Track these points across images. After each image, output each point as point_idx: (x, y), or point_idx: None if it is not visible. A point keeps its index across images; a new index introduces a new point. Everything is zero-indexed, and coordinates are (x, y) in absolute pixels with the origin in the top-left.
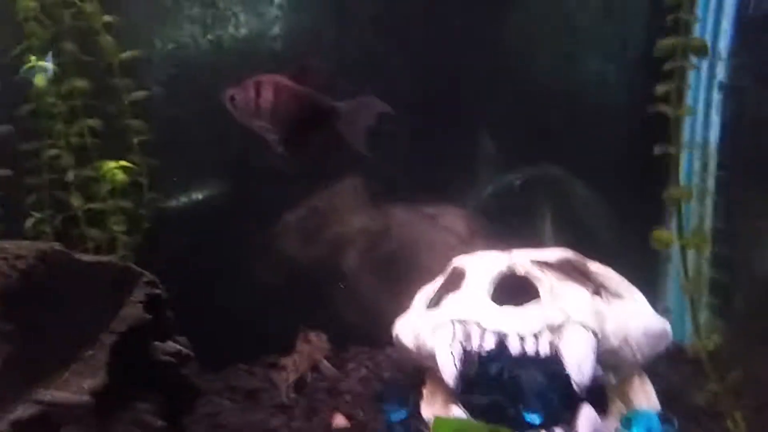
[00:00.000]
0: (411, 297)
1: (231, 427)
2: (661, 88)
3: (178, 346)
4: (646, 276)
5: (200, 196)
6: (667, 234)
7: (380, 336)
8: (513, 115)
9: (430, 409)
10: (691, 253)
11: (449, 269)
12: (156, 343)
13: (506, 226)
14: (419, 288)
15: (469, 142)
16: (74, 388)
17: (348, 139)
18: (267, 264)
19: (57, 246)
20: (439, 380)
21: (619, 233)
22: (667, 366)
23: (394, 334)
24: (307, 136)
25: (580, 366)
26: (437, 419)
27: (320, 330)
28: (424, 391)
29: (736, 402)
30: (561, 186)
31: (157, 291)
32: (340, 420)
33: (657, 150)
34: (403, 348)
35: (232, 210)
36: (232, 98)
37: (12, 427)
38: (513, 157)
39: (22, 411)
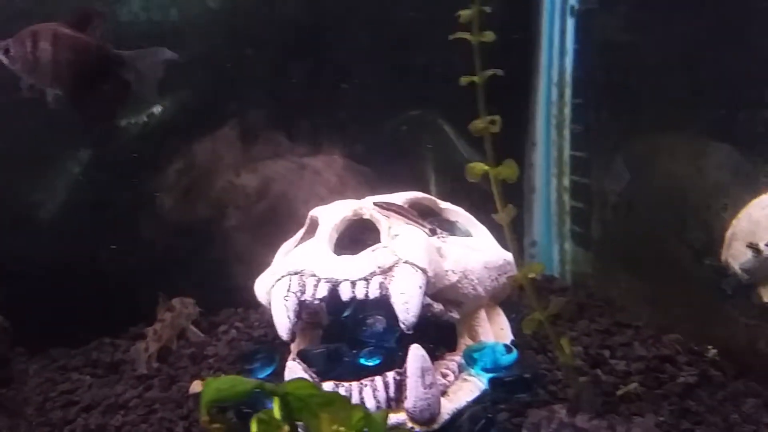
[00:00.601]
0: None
1: (84, 402)
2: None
3: None
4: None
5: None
6: (479, 165)
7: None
8: (377, 59)
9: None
10: (553, 183)
11: (307, 220)
12: None
13: (380, 172)
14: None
15: (340, 88)
16: None
17: (136, 89)
18: (137, 229)
19: None
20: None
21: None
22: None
23: (254, 291)
24: (93, 87)
25: (406, 305)
26: (207, 381)
27: (189, 295)
28: (291, 347)
29: (559, 328)
30: (428, 128)
31: None
32: (196, 386)
33: (462, 80)
34: (262, 305)
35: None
36: (6, 51)
37: None
38: (381, 103)
39: None
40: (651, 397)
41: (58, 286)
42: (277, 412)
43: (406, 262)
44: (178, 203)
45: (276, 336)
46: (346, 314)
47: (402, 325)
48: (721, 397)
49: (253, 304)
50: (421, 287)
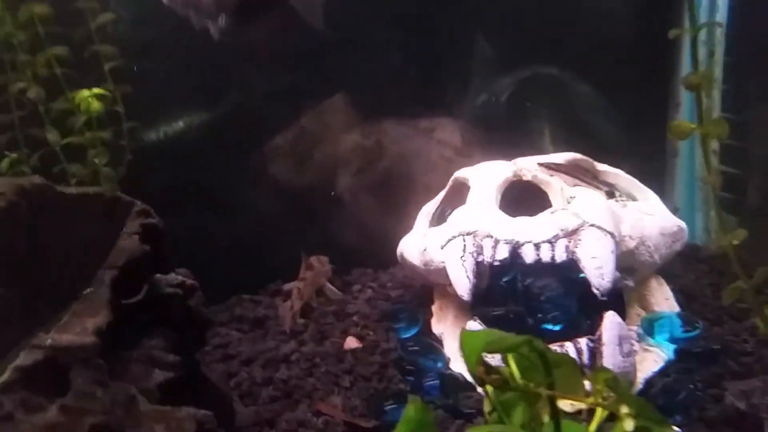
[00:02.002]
0: (409, 214)
1: (243, 357)
2: None
3: (181, 278)
4: (653, 174)
5: (183, 124)
6: (685, 124)
7: (382, 256)
8: (504, 18)
9: (440, 325)
10: (698, 147)
11: (450, 182)
12: (157, 275)
13: (504, 134)
14: (418, 205)
15: (460, 50)
16: (77, 329)
17: (302, 14)
18: (260, 191)
19: (37, 179)
20: (448, 296)
21: (621, 132)
22: (682, 265)
23: (398, 253)
24: (258, 14)
25: (600, 270)
26: (465, 333)
27: (321, 254)
28: (433, 308)
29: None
30: (559, 87)
31: (153, 220)
32: (351, 342)
33: (671, 34)
34: (409, 266)
35: (218, 136)
36: None
37: (16, 375)
38: (507, 62)
39: (25, 358)
40: None
41: (203, 241)
42: (514, 369)
43: (592, 225)
44: (296, 166)
45: (413, 297)
46: (506, 279)
47: (596, 291)
48: None
49: (382, 265)
50: (613, 252)
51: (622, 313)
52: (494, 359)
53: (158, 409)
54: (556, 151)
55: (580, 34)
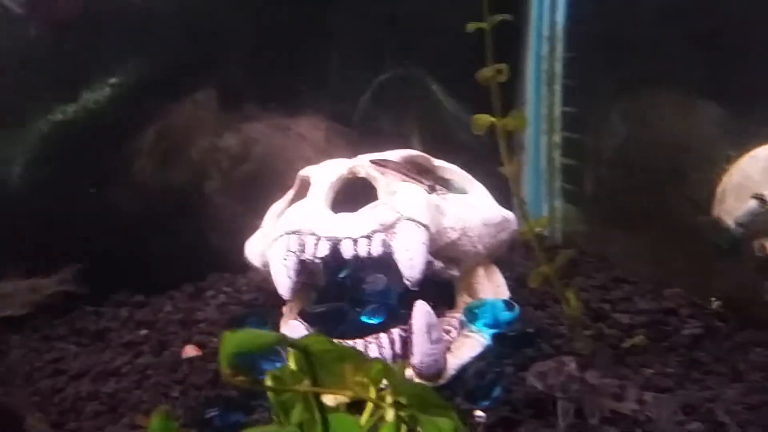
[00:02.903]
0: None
1: (74, 371)
2: None
3: None
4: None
5: (37, 123)
6: (485, 117)
7: (241, 260)
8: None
9: (287, 327)
10: (543, 141)
11: (297, 181)
12: None
13: (366, 134)
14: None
15: (325, 46)
16: None
17: None
18: (112, 192)
19: None
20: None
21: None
22: (524, 256)
23: (245, 255)
24: None
25: (410, 261)
26: (224, 335)
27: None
28: (284, 310)
29: (566, 282)
30: (414, 87)
31: None
32: (190, 350)
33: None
34: (253, 268)
35: (73, 138)
36: None
37: None
38: (371, 60)
39: None
40: (657, 350)
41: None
42: (292, 365)
43: (408, 219)
44: (157, 167)
45: (266, 300)
46: (343, 274)
47: (407, 282)
48: (728, 347)
49: (241, 269)
50: (424, 243)
51: (451, 301)
52: None
53: None
54: (415, 148)
55: (433, 37)
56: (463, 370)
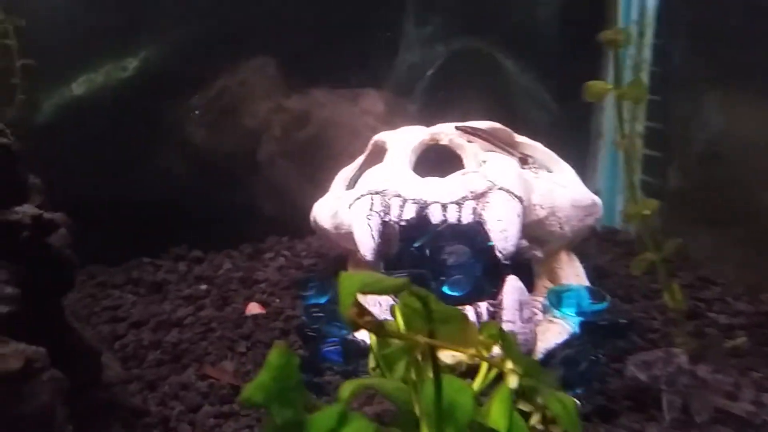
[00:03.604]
0: (330, 182)
1: (133, 319)
2: None
3: (40, 211)
4: (577, 156)
5: (89, 73)
6: (600, 84)
7: (301, 225)
8: None
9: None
10: (625, 129)
11: (369, 146)
12: (9, 206)
13: (429, 106)
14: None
15: (389, 19)
16: None
17: None
18: (172, 151)
19: None
20: (362, 265)
21: (547, 112)
22: (598, 247)
23: (312, 217)
24: None
25: (504, 233)
26: (342, 275)
27: (236, 221)
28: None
29: (672, 272)
30: (487, 62)
31: (4, 141)
32: (254, 307)
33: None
34: (321, 231)
35: (127, 89)
36: None
37: None
38: (436, 34)
39: None
40: (762, 353)
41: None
42: (399, 322)
43: (501, 189)
44: (219, 127)
45: (326, 266)
46: (418, 243)
47: (499, 254)
48: None
49: (298, 234)
50: (518, 216)
51: (530, 284)
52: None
53: None
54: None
55: (509, 10)
56: (549, 356)
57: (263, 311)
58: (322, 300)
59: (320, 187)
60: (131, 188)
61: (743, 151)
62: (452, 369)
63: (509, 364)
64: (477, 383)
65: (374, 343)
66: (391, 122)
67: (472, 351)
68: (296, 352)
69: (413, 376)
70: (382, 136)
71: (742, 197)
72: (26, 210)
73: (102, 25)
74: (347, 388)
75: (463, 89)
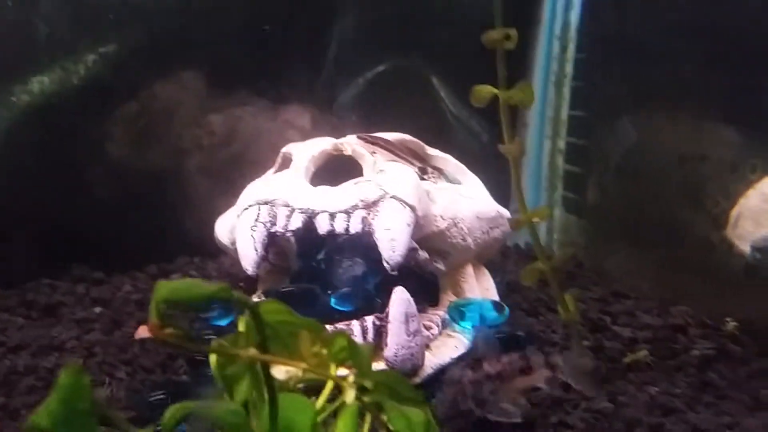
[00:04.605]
0: None
1: (11, 343)
2: None
3: None
4: (499, 174)
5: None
6: (486, 88)
7: (214, 244)
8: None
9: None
10: (546, 146)
11: (278, 158)
12: None
13: (355, 120)
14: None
15: (318, 33)
16: None
17: None
18: (88, 168)
19: None
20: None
21: (469, 130)
22: (517, 262)
23: (215, 235)
24: None
25: (392, 242)
26: (159, 283)
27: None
28: (254, 298)
29: (563, 283)
30: (413, 80)
31: None
32: (143, 331)
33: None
34: (223, 247)
35: (54, 105)
36: None
37: None
38: (364, 51)
39: None
40: (663, 368)
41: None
42: (242, 327)
43: (393, 197)
44: (134, 143)
45: (236, 287)
46: (319, 257)
47: (386, 265)
48: (746, 373)
49: (213, 254)
50: (409, 225)
51: (435, 297)
52: None
53: None
54: None
55: (436, 28)
56: (441, 371)
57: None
58: (224, 322)
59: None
60: (40, 204)
61: (660, 167)
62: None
63: (350, 378)
64: (320, 401)
65: (214, 363)
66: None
67: (304, 365)
68: (179, 378)
69: (254, 396)
70: (290, 148)
71: (658, 212)
72: None
73: (25, 38)
74: (169, 413)
75: (389, 105)
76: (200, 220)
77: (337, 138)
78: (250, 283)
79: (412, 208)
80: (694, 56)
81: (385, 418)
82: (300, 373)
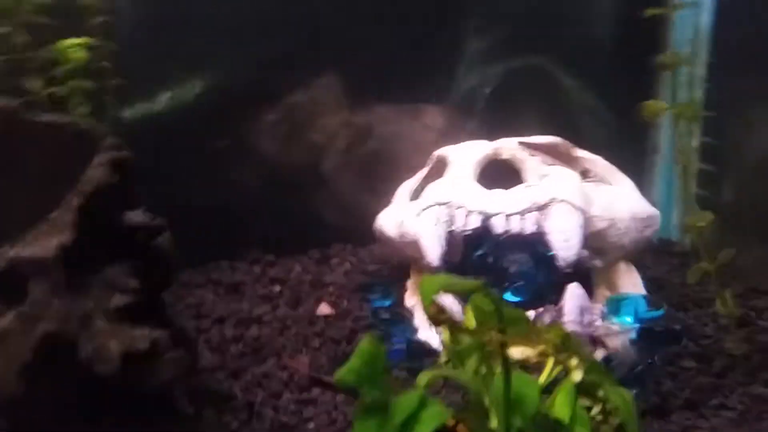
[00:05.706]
0: (391, 194)
1: (215, 315)
2: None
3: (151, 215)
4: (632, 170)
5: (175, 90)
6: (657, 104)
7: (363, 234)
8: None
9: (413, 299)
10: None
11: (431, 160)
12: (125, 211)
13: (490, 121)
14: (400, 185)
15: (450, 36)
16: (40, 245)
17: None
18: (247, 162)
19: (8, 102)
20: (423, 270)
21: (603, 127)
22: (655, 258)
23: (376, 227)
24: None
25: (566, 241)
26: (425, 278)
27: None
28: (408, 283)
29: (725, 281)
30: (546, 79)
31: (123, 154)
32: (324, 308)
33: (648, 12)
34: (386, 239)
35: (207, 104)
36: None
37: None
38: (495, 51)
39: None
40: None
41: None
42: (470, 321)
43: (562, 201)
44: (287, 143)
45: (389, 273)
46: (479, 253)
47: (561, 263)
48: None
49: (361, 241)
50: (580, 226)
51: (590, 292)
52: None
53: (113, 326)
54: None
55: (569, 29)
56: (607, 360)
57: (333, 312)
58: (387, 303)
59: (382, 198)
60: (210, 197)
61: None
62: (520, 364)
63: (574, 361)
64: (542, 378)
65: (447, 340)
66: (452, 137)
67: (541, 347)
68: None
69: (483, 370)
70: (444, 151)
71: None
72: (138, 215)
73: (181, 47)
74: (425, 376)
75: (523, 105)
76: (350, 212)
77: (491, 141)
78: (403, 270)
79: (582, 211)
80: None
81: (600, 395)
82: (533, 355)
